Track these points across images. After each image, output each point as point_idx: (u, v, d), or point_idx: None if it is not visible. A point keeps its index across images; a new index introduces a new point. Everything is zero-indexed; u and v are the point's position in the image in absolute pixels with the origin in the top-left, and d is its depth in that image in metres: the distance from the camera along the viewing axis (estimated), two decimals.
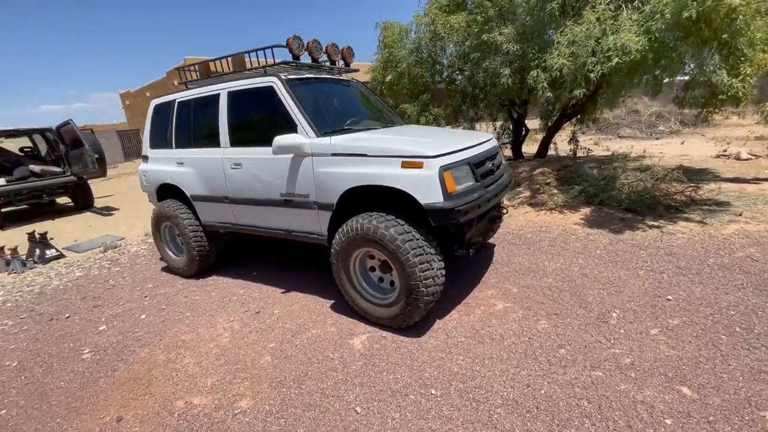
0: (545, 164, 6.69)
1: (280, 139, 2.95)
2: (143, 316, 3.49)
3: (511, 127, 8.42)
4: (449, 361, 2.48)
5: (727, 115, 9.35)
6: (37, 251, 5.36)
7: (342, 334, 2.87)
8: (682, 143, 9.67)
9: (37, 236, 5.46)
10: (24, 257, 5.30)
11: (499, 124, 8.78)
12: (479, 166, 2.91)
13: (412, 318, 2.72)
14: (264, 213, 3.48)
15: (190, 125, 3.95)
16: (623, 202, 5.04)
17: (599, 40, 4.47)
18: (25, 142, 9.43)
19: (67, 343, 3.16)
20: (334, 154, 2.90)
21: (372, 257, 2.94)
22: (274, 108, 3.24)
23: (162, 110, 4.22)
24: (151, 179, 4.37)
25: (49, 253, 5.42)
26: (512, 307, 3.04)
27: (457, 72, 7.37)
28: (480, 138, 3.21)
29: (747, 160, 7.00)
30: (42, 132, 8.55)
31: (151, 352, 2.89)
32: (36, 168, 8.12)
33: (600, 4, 4.71)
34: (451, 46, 7.05)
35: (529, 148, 9.33)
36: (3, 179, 7.64)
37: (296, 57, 3.41)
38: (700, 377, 2.13)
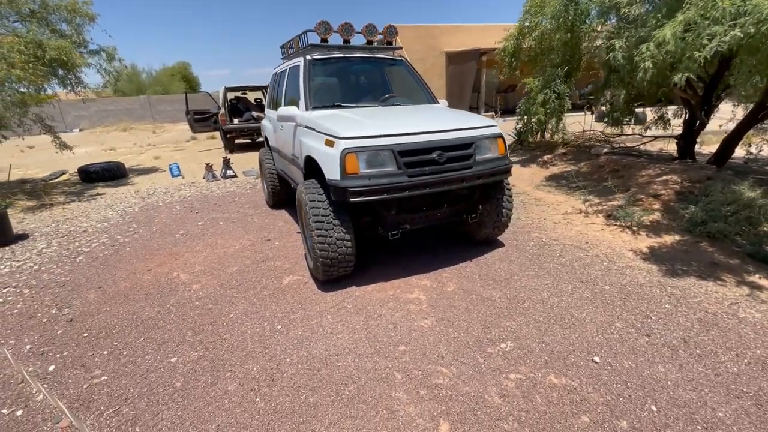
0: (691, 170, 4.89)
1: (281, 110, 3.72)
2: (221, 223, 5.15)
3: (684, 116, 6.25)
4: (318, 316, 2.88)
5: None
6: (223, 170, 8.12)
7: (286, 272, 3.60)
8: None
9: (225, 160, 8.22)
10: (216, 172, 8.15)
11: (651, 110, 6.62)
12: (415, 155, 2.89)
13: (318, 273, 3.16)
14: (287, 166, 4.41)
15: (275, 92, 5.17)
16: (753, 243, 3.45)
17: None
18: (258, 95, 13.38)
19: (179, 226, 5.11)
20: (306, 126, 3.46)
21: None
22: (298, 82, 3.99)
23: (271, 78, 5.60)
24: (262, 130, 5.95)
25: (229, 173, 8.11)
26: (421, 299, 3.01)
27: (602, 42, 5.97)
28: (442, 125, 3.07)
29: None
30: (263, 88, 12.00)
31: (197, 244, 4.42)
32: (255, 114, 11.62)
33: None
34: (592, 10, 5.74)
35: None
36: (237, 120, 11.36)
37: (324, 40, 3.96)
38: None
